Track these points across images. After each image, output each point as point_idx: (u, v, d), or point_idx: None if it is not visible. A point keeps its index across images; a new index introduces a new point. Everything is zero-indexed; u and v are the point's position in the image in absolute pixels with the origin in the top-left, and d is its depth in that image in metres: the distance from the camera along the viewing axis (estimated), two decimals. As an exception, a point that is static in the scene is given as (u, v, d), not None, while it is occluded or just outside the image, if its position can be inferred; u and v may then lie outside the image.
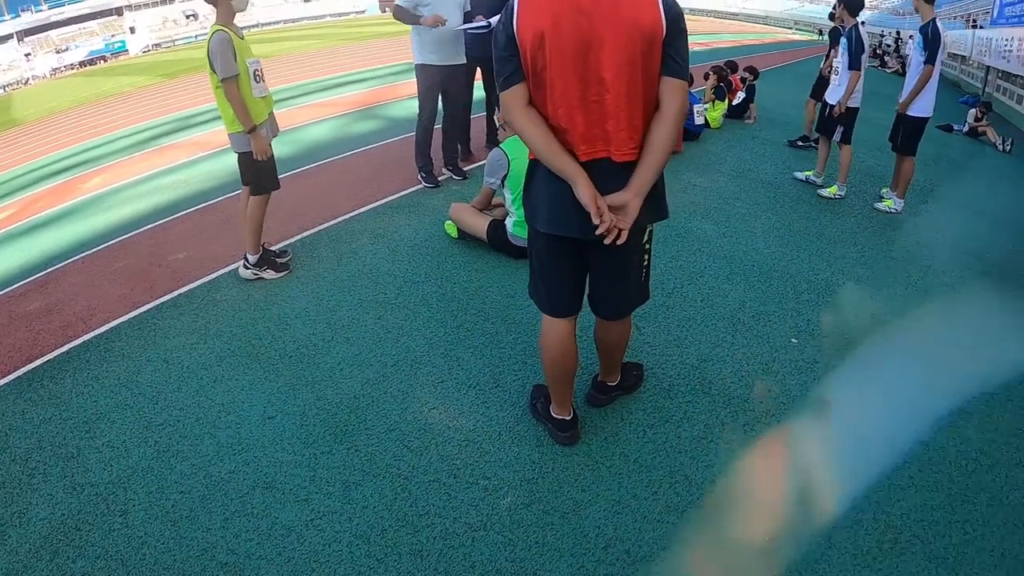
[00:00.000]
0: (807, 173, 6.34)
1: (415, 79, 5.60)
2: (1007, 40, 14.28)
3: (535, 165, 2.15)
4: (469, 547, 2.17)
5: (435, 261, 4.33)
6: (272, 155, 4.01)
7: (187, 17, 69.68)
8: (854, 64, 5.57)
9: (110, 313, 3.91)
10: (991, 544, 2.22)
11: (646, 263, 2.34)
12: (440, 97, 5.66)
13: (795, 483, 2.48)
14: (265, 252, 4.22)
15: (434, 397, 2.92)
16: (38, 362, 3.44)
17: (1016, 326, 3.83)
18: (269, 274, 4.17)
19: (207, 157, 7.88)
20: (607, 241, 1.98)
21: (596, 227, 1.94)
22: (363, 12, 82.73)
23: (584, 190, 1.95)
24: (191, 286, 4.16)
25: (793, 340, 3.45)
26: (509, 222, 4.23)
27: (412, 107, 5.71)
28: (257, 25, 70.07)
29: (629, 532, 2.22)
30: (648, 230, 2.26)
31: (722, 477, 2.47)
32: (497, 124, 4.55)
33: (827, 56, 7.35)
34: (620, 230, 1.97)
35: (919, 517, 2.32)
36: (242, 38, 3.82)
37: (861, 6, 5.82)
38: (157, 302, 3.99)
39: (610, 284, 2.33)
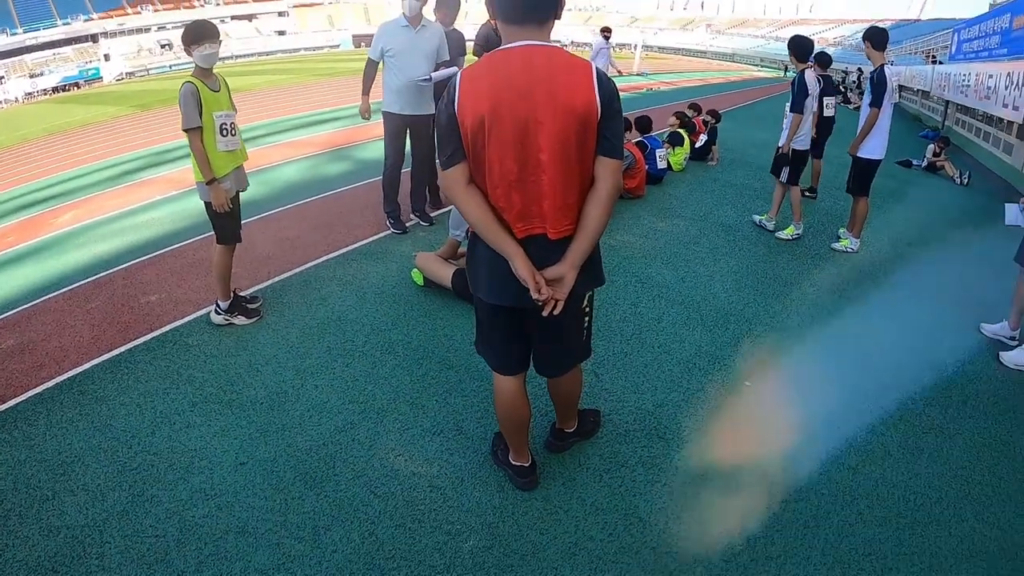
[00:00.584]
0: (762, 217, 6.62)
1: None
2: (964, 75, 14.92)
3: (475, 238, 2.27)
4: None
5: (401, 309, 4.47)
6: (235, 208, 4.12)
7: (162, 47, 69.76)
8: (795, 107, 5.88)
9: (84, 355, 3.95)
10: None
11: (587, 325, 2.49)
12: (409, 144, 5.83)
13: (745, 525, 2.63)
14: (236, 298, 4.32)
15: (400, 444, 3.05)
16: (12, 403, 3.47)
17: (973, 356, 4.10)
18: (240, 320, 4.27)
19: (180, 196, 7.94)
20: (545, 313, 2.11)
21: (533, 297, 2.09)
22: (337, 47, 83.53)
23: (521, 266, 2.06)
24: (164, 329, 4.23)
25: (747, 383, 3.65)
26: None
27: (382, 150, 5.87)
28: (232, 56, 70.51)
29: (585, 573, 2.36)
30: (588, 295, 2.41)
31: (675, 519, 2.63)
32: None
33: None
34: (556, 301, 2.10)
35: (868, 551, 2.50)
36: (216, 90, 3.95)
37: (809, 51, 6.09)
38: (130, 345, 4.04)
39: (549, 347, 2.46)
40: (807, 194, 7.75)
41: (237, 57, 70.81)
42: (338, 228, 6.17)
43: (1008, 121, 11.61)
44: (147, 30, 76.50)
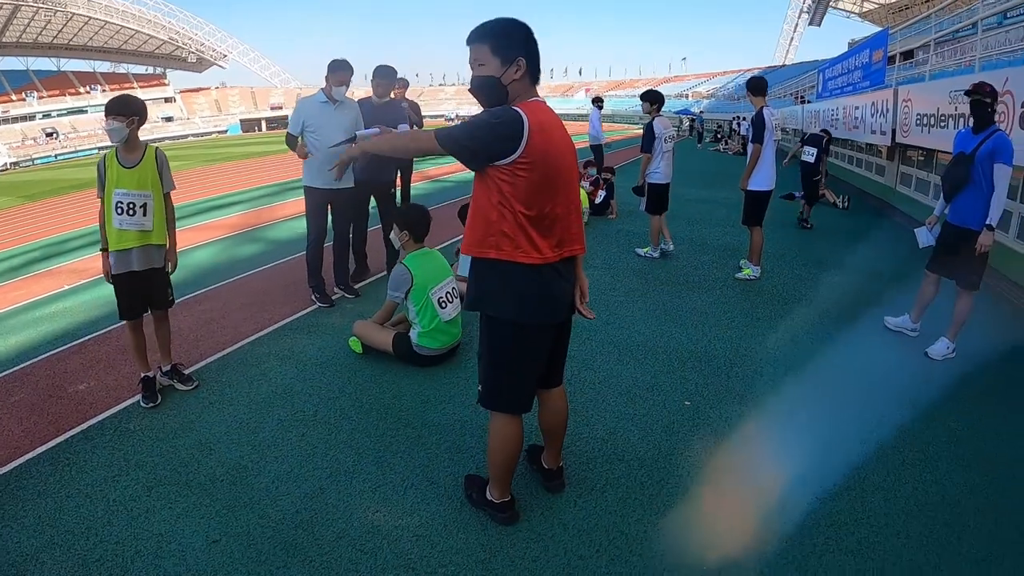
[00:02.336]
0: (645, 249, 7.65)
1: (303, 198, 5.91)
2: (833, 110, 16.48)
3: (504, 274, 2.48)
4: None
5: (346, 376, 4.51)
6: (131, 286, 4.12)
7: (47, 135, 66.79)
8: (644, 148, 7.09)
9: (15, 450, 3.75)
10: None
11: None
12: (330, 218, 5.96)
13: (712, 526, 2.87)
14: (174, 368, 4.41)
15: (375, 501, 3.09)
16: None
17: (853, 354, 4.75)
18: (179, 386, 4.40)
19: (89, 285, 7.64)
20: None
21: (572, 307, 2.67)
22: (225, 132, 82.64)
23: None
24: (100, 417, 4.08)
25: (686, 403, 4.00)
26: (413, 333, 4.52)
27: (294, 228, 6.03)
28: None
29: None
30: None
31: (652, 527, 2.85)
32: (396, 245, 4.80)
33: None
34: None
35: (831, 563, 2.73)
36: (130, 167, 3.96)
37: (658, 102, 7.24)
38: (66, 435, 3.87)
39: (562, 354, 2.85)
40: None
41: (125, 144, 68.84)
42: (264, 306, 6.15)
43: (874, 146, 12.99)
44: (32, 118, 73.39)
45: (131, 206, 3.97)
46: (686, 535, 2.81)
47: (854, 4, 61.88)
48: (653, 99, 7.26)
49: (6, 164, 53.22)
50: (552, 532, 2.83)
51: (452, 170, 18.78)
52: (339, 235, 6.14)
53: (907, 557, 2.66)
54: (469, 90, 2.56)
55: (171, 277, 4.34)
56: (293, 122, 5.60)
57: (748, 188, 6.51)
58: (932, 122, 9.16)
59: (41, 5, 66.02)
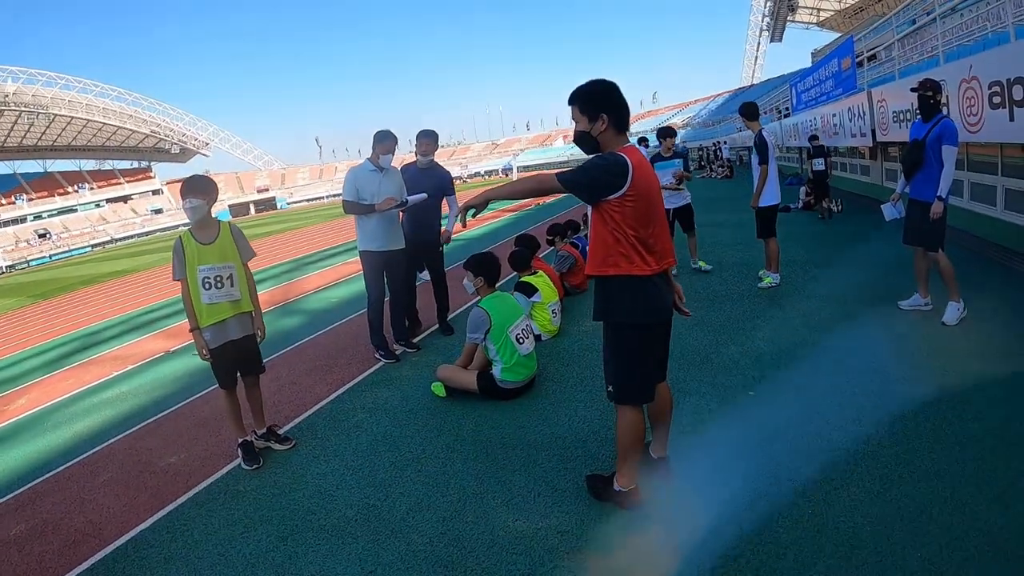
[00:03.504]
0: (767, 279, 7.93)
1: (360, 264, 6.25)
2: (811, 120, 16.93)
3: (615, 282, 2.98)
4: None
5: (439, 417, 4.76)
6: (226, 355, 4.35)
7: (40, 236, 67.44)
8: (763, 160, 7.13)
9: (123, 524, 3.84)
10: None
11: None
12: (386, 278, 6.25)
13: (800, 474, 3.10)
14: (270, 430, 4.68)
15: (510, 513, 3.35)
16: None
17: (881, 336, 5.15)
18: (276, 446, 4.59)
19: (140, 369, 7.92)
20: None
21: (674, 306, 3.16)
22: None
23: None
24: (203, 485, 4.20)
25: (751, 393, 4.42)
26: (496, 370, 4.80)
27: (326, 298, 6.27)
28: (111, 240, 69.00)
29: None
30: None
31: (756, 492, 3.08)
32: (470, 290, 5.20)
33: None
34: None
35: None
36: (207, 243, 4.22)
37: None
38: (174, 505, 3.98)
39: (667, 349, 3.28)
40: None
41: (117, 240, 69.56)
42: (330, 369, 6.40)
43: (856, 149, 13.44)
44: (23, 220, 74.19)
45: (218, 279, 4.21)
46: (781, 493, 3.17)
47: (810, 14, 63.95)
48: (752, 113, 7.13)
49: (2, 268, 53.63)
50: (669, 513, 3.17)
51: (459, 228, 19.18)
52: (395, 293, 6.42)
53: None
54: (574, 141, 3.14)
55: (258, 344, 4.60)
56: (348, 191, 5.93)
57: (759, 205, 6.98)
58: (908, 117, 9.63)
59: (24, 109, 67.71)
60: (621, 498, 3.22)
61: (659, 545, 2.93)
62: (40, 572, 3.47)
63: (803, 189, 12.85)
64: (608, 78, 2.94)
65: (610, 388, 3.12)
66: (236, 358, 4.41)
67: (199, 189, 4.16)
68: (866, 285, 6.58)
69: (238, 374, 4.50)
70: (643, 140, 15.72)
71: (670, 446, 3.56)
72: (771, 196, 6.95)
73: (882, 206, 5.76)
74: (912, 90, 5.25)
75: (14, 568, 3.55)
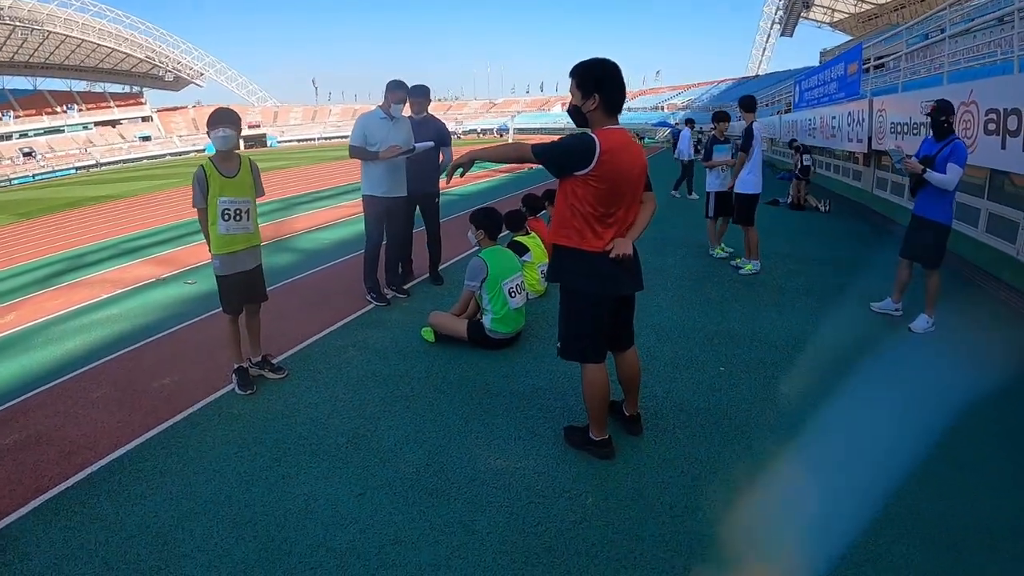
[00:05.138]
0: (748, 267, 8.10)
1: (362, 208, 6.41)
2: (810, 119, 17.10)
3: (577, 257, 3.17)
4: (575, 530, 2.89)
5: (427, 360, 5.00)
6: (235, 284, 4.50)
7: (24, 155, 66.14)
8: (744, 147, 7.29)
9: (119, 437, 3.97)
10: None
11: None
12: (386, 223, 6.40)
13: (762, 452, 3.39)
14: (264, 359, 4.82)
15: (493, 451, 3.63)
16: (52, 492, 3.40)
17: (847, 330, 5.43)
18: (271, 374, 4.76)
19: (130, 293, 8.01)
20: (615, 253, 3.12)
21: (632, 285, 3.27)
22: (203, 151, 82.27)
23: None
24: (199, 405, 4.35)
25: (721, 368, 4.71)
26: (486, 319, 5.04)
27: (317, 239, 6.35)
28: (96, 165, 67.81)
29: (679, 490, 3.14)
30: None
31: (718, 455, 3.38)
32: (472, 242, 5.46)
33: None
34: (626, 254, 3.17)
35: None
36: (231, 175, 4.29)
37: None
38: (170, 423, 4.12)
39: (628, 322, 3.52)
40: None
41: (102, 165, 68.40)
42: (322, 307, 6.58)
43: (853, 153, 13.69)
44: (8, 137, 72.63)
45: (237, 212, 4.33)
46: (744, 460, 3.47)
47: (824, 14, 63.69)
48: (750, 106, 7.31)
49: (-20, 185, 52.59)
50: (642, 461, 3.48)
51: (455, 183, 19.24)
52: (392, 238, 6.58)
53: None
54: (567, 111, 3.34)
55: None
56: (356, 136, 6.04)
57: (738, 191, 7.25)
58: (905, 130, 9.90)
59: (18, 23, 65.70)
60: (594, 447, 3.49)
61: (626, 490, 3.21)
62: (36, 480, 3.54)
63: (794, 185, 13.10)
64: (612, 58, 3.06)
65: (558, 344, 3.40)
66: (243, 288, 4.55)
67: (229, 120, 4.22)
68: (841, 283, 6.87)
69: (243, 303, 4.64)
70: (690, 121, 15.93)
71: (642, 407, 3.86)
72: (750, 185, 7.21)
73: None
74: (926, 115, 5.42)
75: (8, 475, 3.61)
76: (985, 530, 2.82)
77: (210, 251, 4.44)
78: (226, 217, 4.29)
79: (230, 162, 4.33)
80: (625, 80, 3.11)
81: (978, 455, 3.41)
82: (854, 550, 2.72)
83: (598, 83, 3.04)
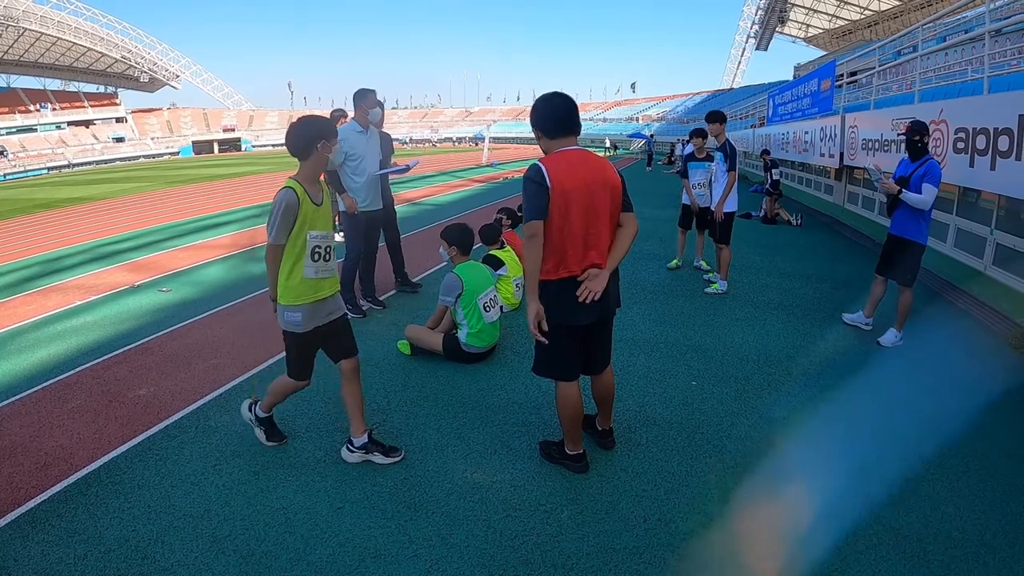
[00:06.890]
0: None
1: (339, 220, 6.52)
2: (783, 133, 17.37)
3: (546, 285, 3.21)
4: (551, 544, 2.95)
5: (404, 373, 5.05)
6: (311, 341, 3.57)
7: None
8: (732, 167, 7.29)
9: (96, 448, 3.94)
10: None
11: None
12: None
13: (732, 467, 3.50)
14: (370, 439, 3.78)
15: (469, 465, 3.69)
16: (29, 504, 3.37)
17: (818, 342, 5.63)
18: (380, 460, 3.73)
19: (105, 300, 7.88)
20: (582, 298, 3.15)
21: (602, 312, 3.26)
22: (177, 154, 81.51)
23: (534, 311, 3.18)
24: (174, 418, 4.34)
25: (693, 383, 4.81)
26: (462, 334, 5.10)
27: None
28: (68, 165, 66.68)
29: (652, 503, 3.27)
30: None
31: (690, 468, 3.51)
32: (445, 259, 5.59)
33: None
34: (595, 292, 3.15)
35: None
36: (319, 204, 3.40)
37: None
38: (145, 435, 4.10)
39: (601, 347, 3.52)
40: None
41: (75, 165, 67.34)
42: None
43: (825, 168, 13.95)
44: (-20, 136, 71.10)
45: (327, 251, 3.45)
46: (716, 472, 3.58)
47: (799, 29, 64.89)
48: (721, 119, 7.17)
49: (-50, 185, 51.44)
50: (616, 475, 3.57)
51: (430, 192, 19.35)
52: (369, 253, 6.64)
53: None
54: None
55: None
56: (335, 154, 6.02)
57: (725, 211, 7.22)
58: (877, 146, 10.17)
59: (-6, 20, 64.57)
60: (569, 461, 3.59)
61: (600, 503, 3.30)
62: (12, 492, 3.51)
63: (766, 199, 13.32)
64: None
65: (533, 360, 3.49)
66: (330, 341, 3.64)
67: (332, 131, 3.44)
68: (812, 296, 7.10)
69: (335, 362, 3.71)
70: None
71: (616, 421, 3.97)
72: (733, 203, 7.23)
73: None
74: (899, 135, 5.61)
75: (-17, 486, 3.54)
76: (953, 541, 2.95)
77: (275, 300, 3.46)
78: (315, 257, 3.37)
79: (316, 186, 3.44)
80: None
81: (946, 466, 3.57)
82: (825, 560, 2.84)
83: (535, 119, 3.26)
